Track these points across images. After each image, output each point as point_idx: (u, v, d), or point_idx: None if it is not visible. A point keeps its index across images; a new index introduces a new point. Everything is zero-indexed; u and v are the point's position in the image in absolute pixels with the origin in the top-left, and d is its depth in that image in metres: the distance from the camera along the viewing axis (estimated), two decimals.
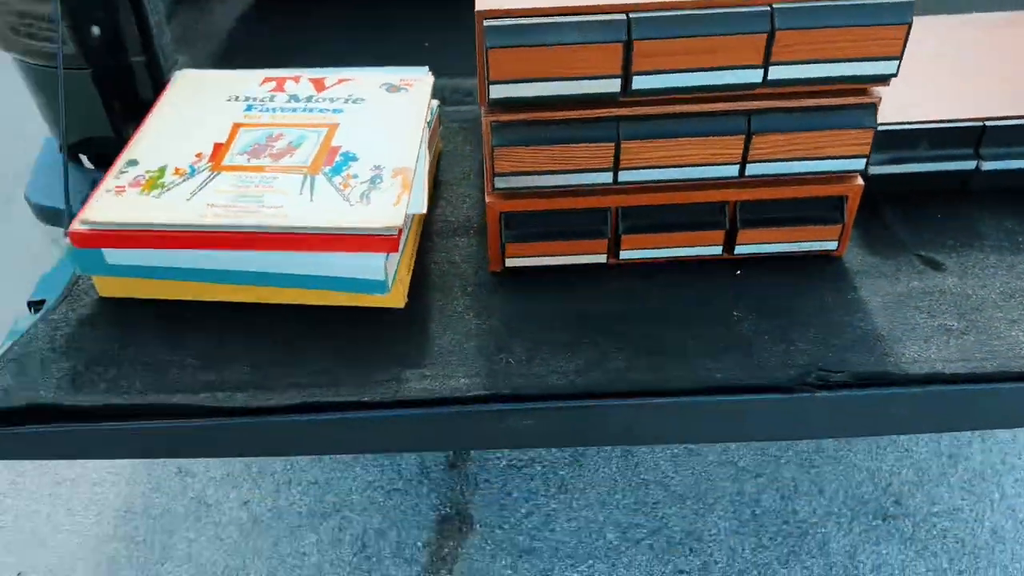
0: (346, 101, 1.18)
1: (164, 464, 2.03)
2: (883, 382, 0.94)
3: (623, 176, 1.01)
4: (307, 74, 1.23)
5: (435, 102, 1.26)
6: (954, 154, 1.15)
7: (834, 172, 1.02)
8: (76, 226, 1.00)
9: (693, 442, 1.02)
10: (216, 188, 1.03)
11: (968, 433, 2.10)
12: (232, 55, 1.60)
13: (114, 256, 1.02)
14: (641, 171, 1.01)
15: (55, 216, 1.50)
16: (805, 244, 1.08)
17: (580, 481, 2.01)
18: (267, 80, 1.22)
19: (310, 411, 0.92)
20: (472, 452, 2.08)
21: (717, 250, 1.09)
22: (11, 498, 1.97)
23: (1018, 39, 1.32)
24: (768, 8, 0.90)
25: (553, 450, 2.09)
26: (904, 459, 2.05)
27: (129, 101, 1.46)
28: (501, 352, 0.99)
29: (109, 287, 1.07)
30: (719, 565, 1.84)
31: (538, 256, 1.08)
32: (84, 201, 1.04)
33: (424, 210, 1.04)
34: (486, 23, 0.89)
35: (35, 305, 1.10)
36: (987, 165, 1.15)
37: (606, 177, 1.01)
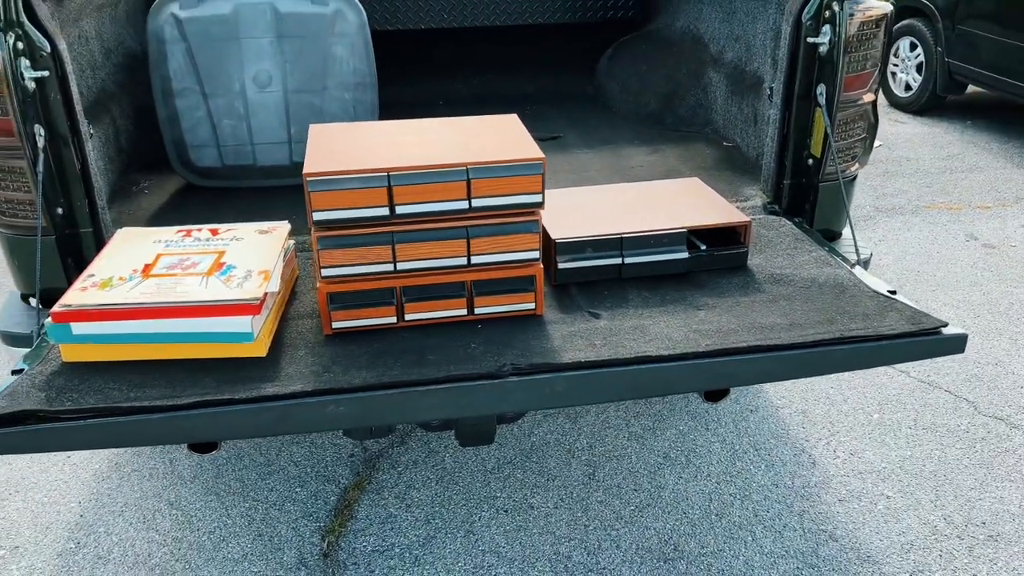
0: (231, 240, 1.86)
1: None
2: (549, 370, 1.60)
3: (400, 266, 1.70)
4: (207, 226, 1.92)
5: (291, 241, 1.95)
6: (609, 254, 1.91)
7: (523, 260, 1.74)
8: (56, 308, 1.60)
9: (442, 415, 1.59)
10: (145, 287, 1.66)
11: (732, 492, 2.74)
12: (155, 224, 2.29)
13: (78, 328, 1.61)
14: (411, 262, 1.71)
15: (12, 339, 2.07)
16: (516, 306, 1.78)
17: (430, 555, 2.53)
18: (180, 231, 1.90)
19: (205, 407, 1.50)
20: (341, 542, 2.57)
21: (464, 312, 1.77)
22: None
23: (645, 194, 2.15)
24: (466, 168, 1.66)
25: (411, 535, 2.61)
26: (683, 519, 2.66)
27: (78, 260, 2.10)
28: (326, 372, 1.61)
29: (71, 353, 1.65)
30: None
31: (353, 320, 1.73)
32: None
33: (277, 289, 1.69)
34: (308, 179, 1.61)
35: (17, 373, 1.66)
36: (628, 260, 1.91)
37: (389, 267, 1.70)
